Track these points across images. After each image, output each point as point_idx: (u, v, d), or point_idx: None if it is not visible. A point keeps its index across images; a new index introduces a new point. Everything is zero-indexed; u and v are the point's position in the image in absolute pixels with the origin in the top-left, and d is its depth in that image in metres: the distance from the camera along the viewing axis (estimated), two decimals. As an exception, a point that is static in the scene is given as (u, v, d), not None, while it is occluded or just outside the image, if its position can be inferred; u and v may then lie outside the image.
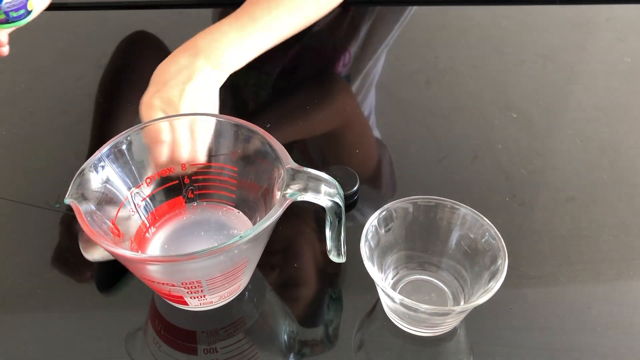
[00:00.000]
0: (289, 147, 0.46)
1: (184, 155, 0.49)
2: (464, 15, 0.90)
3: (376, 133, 0.69)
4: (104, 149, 0.46)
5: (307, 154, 0.65)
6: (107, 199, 0.45)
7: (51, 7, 0.92)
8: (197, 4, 0.92)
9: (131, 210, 0.48)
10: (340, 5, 0.72)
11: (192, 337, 0.47)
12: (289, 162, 0.45)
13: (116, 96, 0.73)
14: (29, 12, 0.44)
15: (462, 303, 0.47)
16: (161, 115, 0.52)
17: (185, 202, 0.52)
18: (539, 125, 0.69)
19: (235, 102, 0.72)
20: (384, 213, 0.48)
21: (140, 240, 0.49)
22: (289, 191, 0.43)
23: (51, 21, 0.88)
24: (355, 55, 0.78)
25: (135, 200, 0.48)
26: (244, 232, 0.40)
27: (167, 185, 0.51)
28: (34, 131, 0.68)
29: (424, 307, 0.42)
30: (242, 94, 0.71)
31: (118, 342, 0.47)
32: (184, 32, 0.85)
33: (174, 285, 0.43)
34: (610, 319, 0.48)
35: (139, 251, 0.48)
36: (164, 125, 0.48)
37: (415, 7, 0.87)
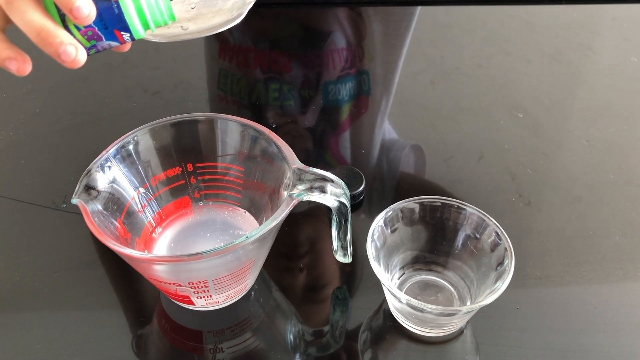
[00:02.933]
0: (295, 147, 0.46)
1: None
2: (469, 15, 0.90)
3: (383, 133, 0.69)
4: (111, 149, 0.46)
5: (313, 153, 0.65)
6: (114, 199, 0.46)
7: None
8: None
9: (138, 210, 0.48)
10: (350, 7, 0.72)
11: (198, 336, 0.47)
12: (295, 162, 0.45)
13: (122, 96, 0.73)
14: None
15: (468, 303, 0.47)
16: None
17: (192, 202, 0.52)
18: (545, 125, 0.69)
19: (250, 106, 0.73)
20: (390, 213, 0.48)
21: (147, 240, 0.49)
22: (295, 191, 0.43)
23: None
24: (374, 55, 0.78)
25: (141, 200, 0.48)
26: (250, 232, 0.40)
27: (173, 185, 0.51)
28: (41, 131, 0.68)
29: (430, 307, 0.42)
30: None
31: (125, 342, 0.47)
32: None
33: (180, 285, 0.44)
34: (617, 320, 0.48)
35: (146, 251, 0.48)
36: None
37: (420, 7, 0.87)
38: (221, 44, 0.77)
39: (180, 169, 0.50)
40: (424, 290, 0.49)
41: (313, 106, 0.70)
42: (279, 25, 0.83)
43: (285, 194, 0.44)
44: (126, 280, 0.51)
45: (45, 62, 0.82)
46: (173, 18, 0.40)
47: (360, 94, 0.73)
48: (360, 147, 0.66)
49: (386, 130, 0.69)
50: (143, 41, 0.41)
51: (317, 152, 0.65)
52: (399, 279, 0.50)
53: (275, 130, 0.47)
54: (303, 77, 0.74)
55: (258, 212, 0.51)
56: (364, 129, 0.70)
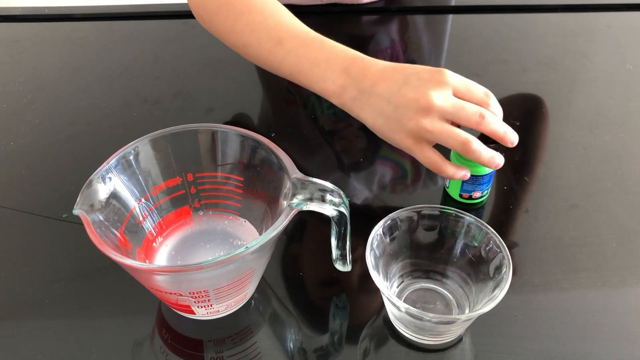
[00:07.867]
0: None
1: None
2: (465, 23, 0.90)
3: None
4: (112, 160, 0.47)
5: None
6: (115, 210, 0.46)
7: (56, 19, 0.93)
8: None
9: (139, 220, 0.48)
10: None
11: (199, 346, 0.48)
12: (294, 172, 0.45)
13: (122, 106, 0.74)
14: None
15: (466, 311, 0.47)
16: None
17: (192, 212, 0.53)
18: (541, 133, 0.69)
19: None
20: (389, 222, 0.48)
21: (148, 250, 0.49)
22: (294, 201, 0.43)
23: (57, 32, 0.89)
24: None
25: (142, 211, 0.49)
26: (250, 242, 0.40)
27: (173, 195, 0.51)
28: (41, 142, 0.68)
29: (429, 315, 0.42)
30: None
31: (125, 351, 0.47)
32: (188, 43, 0.86)
33: (181, 295, 0.44)
34: (615, 326, 0.49)
35: (147, 261, 0.49)
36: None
37: (417, 17, 0.88)
38: None
39: (181, 179, 0.51)
40: (422, 298, 0.50)
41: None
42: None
43: (284, 203, 0.44)
44: (127, 290, 0.51)
45: (45, 73, 0.82)
46: None
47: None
48: (358, 156, 0.67)
49: None
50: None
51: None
52: (397, 287, 0.50)
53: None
54: None
55: (258, 221, 0.51)
56: (353, 139, 0.70)
